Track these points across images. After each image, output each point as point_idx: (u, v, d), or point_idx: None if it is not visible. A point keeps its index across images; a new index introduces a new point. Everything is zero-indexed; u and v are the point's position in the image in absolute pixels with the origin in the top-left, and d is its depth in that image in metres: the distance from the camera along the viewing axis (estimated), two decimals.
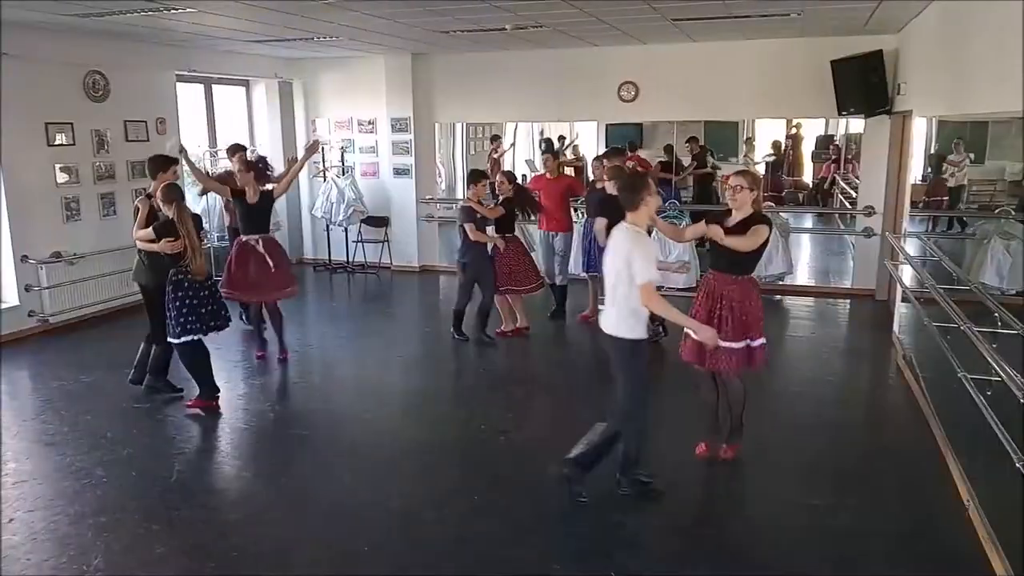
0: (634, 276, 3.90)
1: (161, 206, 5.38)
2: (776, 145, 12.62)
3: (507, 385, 6.36)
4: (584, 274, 7.81)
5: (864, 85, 8.04)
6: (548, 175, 8.10)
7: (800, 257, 10.52)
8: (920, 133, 6.85)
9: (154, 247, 5.41)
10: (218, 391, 5.68)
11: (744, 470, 4.73)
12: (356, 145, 10.70)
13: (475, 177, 7.16)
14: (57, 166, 7.67)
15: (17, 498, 4.35)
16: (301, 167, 7.01)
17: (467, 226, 6.93)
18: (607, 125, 11.01)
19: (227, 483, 4.78)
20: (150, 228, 5.44)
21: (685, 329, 4.46)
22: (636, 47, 9.18)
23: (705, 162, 10.88)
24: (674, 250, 8.41)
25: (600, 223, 6.52)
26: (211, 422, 5.51)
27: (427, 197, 10.56)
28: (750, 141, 12.61)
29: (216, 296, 5.63)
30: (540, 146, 12.27)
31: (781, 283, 9.04)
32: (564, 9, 6.57)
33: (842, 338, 7.68)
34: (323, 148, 10.58)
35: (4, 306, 7.42)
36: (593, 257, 7.47)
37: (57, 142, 7.66)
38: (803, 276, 9.78)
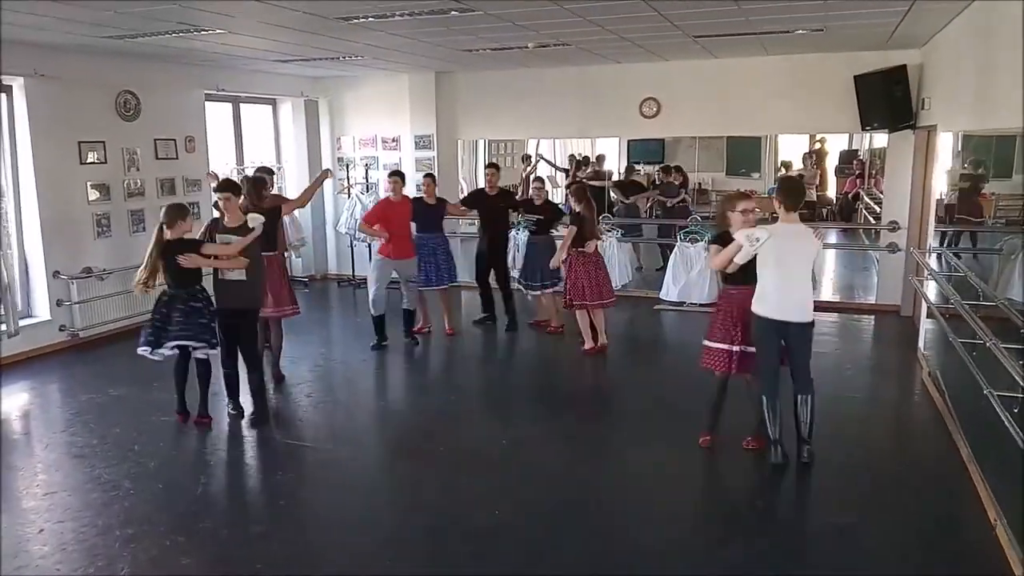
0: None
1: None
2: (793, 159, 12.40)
3: (531, 401, 6.38)
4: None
5: (888, 100, 8.00)
6: (393, 198, 7.43)
7: (824, 272, 10.43)
8: (946, 149, 6.80)
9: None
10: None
11: (768, 487, 4.71)
12: (380, 162, 10.82)
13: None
14: (89, 184, 7.86)
15: (47, 508, 4.44)
16: (315, 190, 7.09)
17: None
18: (629, 141, 11.05)
19: (252, 496, 4.84)
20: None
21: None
22: (658, 63, 9.22)
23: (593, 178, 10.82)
24: (696, 264, 8.41)
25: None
26: (236, 436, 5.58)
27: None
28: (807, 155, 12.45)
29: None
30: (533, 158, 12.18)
31: None
32: (587, 27, 6.63)
33: (866, 354, 7.60)
34: (348, 165, 10.73)
35: (36, 320, 7.59)
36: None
37: (89, 160, 7.85)
38: (827, 291, 9.69)
